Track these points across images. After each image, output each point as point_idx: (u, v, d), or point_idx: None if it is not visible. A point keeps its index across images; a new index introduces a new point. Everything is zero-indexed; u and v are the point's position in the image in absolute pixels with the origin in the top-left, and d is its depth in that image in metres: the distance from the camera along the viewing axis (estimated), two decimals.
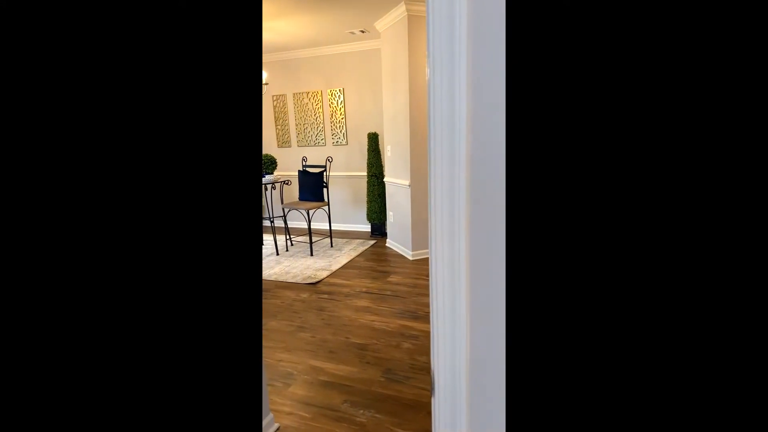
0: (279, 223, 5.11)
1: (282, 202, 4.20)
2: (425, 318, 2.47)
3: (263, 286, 3.14)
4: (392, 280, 3.13)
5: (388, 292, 2.90)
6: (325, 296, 2.88)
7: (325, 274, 3.33)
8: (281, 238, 4.48)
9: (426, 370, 1.92)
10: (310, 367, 1.98)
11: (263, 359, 2.05)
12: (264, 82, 3.63)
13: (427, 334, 2.26)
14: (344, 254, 3.87)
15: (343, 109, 4.66)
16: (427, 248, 3.66)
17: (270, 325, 2.47)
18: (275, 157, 4.80)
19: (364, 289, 2.98)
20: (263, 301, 2.86)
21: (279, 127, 5.04)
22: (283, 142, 5.07)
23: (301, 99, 4.83)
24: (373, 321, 2.45)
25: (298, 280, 3.22)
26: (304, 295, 2.91)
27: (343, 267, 3.52)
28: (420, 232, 3.63)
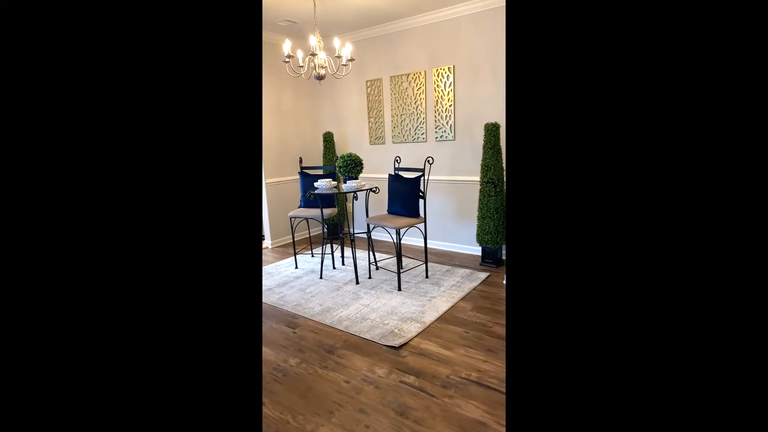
0: (364, 235, 4.25)
1: (367, 215, 3.29)
2: None
3: (329, 340, 2.25)
4: None
5: None
6: (411, 380, 1.84)
7: (414, 329, 2.29)
8: (363, 257, 3.59)
9: None
10: None
11: None
12: (348, 57, 2.73)
13: None
14: (443, 294, 2.77)
15: (451, 94, 3.53)
16: None
17: None
18: (362, 157, 3.92)
19: (474, 375, 1.85)
20: (322, 370, 1.95)
21: (372, 119, 4.16)
22: (376, 138, 4.17)
23: (399, 83, 3.85)
24: None
25: (376, 336, 2.24)
26: (380, 371, 1.92)
27: (441, 319, 2.43)
28: None
